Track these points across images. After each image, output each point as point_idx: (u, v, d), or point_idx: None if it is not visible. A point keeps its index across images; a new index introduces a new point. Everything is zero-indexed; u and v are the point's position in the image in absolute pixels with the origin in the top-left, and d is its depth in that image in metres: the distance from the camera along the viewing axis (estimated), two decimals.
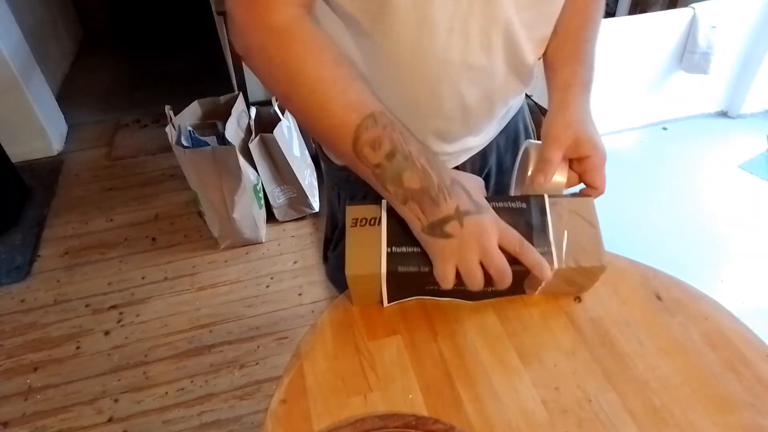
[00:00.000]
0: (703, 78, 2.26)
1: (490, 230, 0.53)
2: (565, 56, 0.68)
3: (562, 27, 0.69)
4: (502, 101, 0.72)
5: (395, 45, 0.59)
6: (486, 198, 0.59)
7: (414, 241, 0.57)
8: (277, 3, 0.52)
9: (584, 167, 0.63)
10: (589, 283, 0.63)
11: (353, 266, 0.57)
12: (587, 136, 0.62)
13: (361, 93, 0.53)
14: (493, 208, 0.58)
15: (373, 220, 0.58)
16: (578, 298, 0.65)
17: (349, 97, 0.52)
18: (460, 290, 0.58)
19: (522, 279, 0.61)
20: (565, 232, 0.59)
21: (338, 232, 0.88)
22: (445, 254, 0.53)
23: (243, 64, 2.08)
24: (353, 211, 0.59)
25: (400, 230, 0.57)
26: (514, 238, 0.55)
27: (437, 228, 0.53)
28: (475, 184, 0.60)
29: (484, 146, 0.79)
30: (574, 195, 0.65)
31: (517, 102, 0.81)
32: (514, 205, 0.60)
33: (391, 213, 0.57)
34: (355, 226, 0.58)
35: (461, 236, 0.52)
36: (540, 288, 0.63)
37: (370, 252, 0.57)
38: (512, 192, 0.72)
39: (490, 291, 0.62)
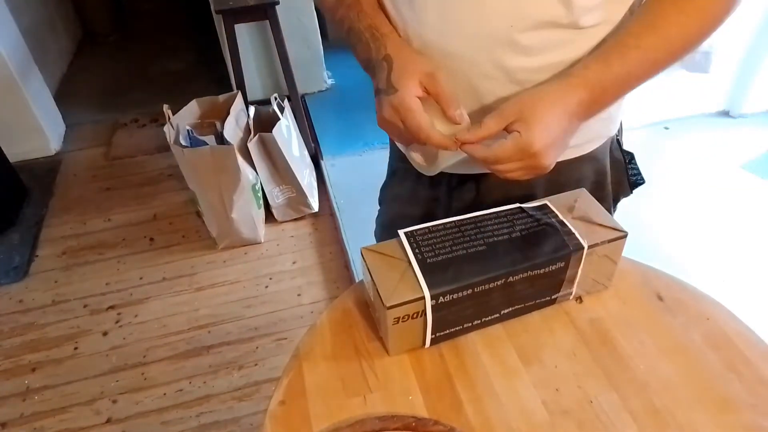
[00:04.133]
0: (705, 77, 2.26)
1: (386, 109, 0.58)
2: (598, 51, 0.58)
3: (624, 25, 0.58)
4: None
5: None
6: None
7: (457, 321, 0.59)
8: None
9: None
10: (612, 263, 0.63)
11: (397, 350, 0.60)
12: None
13: None
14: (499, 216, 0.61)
15: (415, 315, 0.56)
16: (579, 299, 0.65)
17: None
18: (498, 316, 0.61)
19: (551, 285, 0.61)
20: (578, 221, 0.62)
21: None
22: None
23: (241, 63, 2.08)
24: (394, 312, 0.55)
25: (444, 319, 0.58)
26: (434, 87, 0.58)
27: (376, 94, 0.60)
28: (419, 67, 0.59)
29: None
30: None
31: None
32: (522, 213, 0.62)
33: (436, 308, 0.56)
34: (397, 323, 0.56)
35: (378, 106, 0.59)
36: (575, 286, 0.62)
37: (414, 338, 0.59)
38: None
39: (522, 306, 0.62)
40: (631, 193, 0.81)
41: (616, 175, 0.78)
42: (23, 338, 1.63)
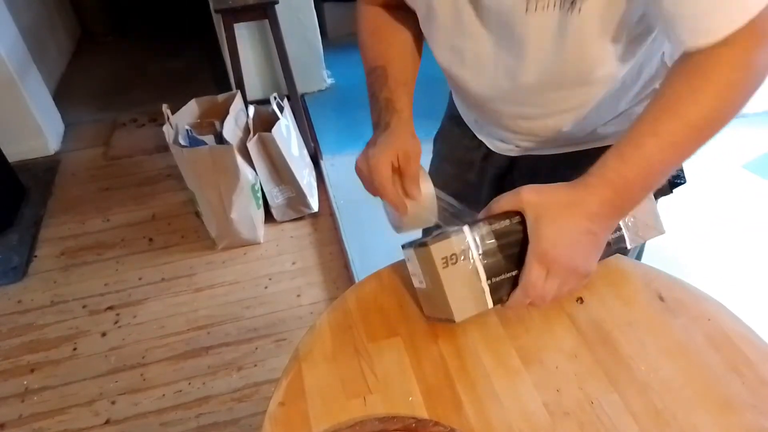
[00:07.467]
0: None
1: (362, 160, 0.68)
2: (615, 145, 0.56)
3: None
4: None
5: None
6: None
7: (509, 265, 0.57)
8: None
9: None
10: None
11: (459, 310, 0.55)
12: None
13: (379, 50, 0.75)
14: None
15: (462, 254, 0.54)
16: (580, 299, 0.65)
17: (373, 50, 0.76)
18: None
19: None
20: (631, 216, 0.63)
21: None
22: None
23: (240, 62, 2.09)
24: (438, 250, 0.54)
25: (494, 258, 0.56)
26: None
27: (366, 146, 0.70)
28: (403, 144, 0.67)
29: (547, 149, 0.78)
30: None
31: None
32: None
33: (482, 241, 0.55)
34: (446, 266, 0.54)
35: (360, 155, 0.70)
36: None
37: (470, 289, 0.55)
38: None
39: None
40: (671, 192, 0.80)
41: None
42: (22, 339, 1.63)
